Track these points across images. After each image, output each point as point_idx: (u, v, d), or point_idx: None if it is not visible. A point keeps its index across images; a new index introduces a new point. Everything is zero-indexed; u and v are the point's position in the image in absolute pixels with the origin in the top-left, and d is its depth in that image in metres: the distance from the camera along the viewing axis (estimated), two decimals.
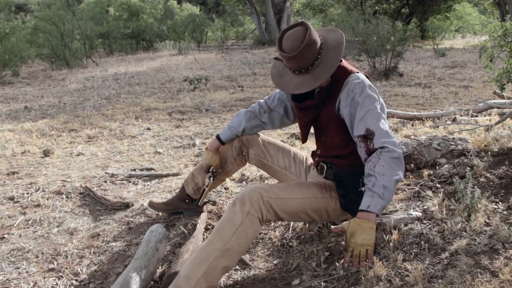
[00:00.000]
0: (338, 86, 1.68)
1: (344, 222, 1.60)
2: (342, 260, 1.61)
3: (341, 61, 1.73)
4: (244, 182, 2.71)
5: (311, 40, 1.58)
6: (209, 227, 2.14)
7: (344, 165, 1.75)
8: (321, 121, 1.77)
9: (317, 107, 1.73)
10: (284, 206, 1.64)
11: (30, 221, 2.31)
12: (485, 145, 2.39)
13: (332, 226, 1.66)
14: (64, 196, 2.62)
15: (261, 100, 2.02)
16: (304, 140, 1.89)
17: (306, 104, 1.74)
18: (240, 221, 1.56)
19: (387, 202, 1.54)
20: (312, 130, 1.91)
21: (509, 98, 4.09)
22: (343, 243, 1.68)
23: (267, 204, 1.60)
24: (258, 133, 2.08)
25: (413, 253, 1.59)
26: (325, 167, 1.80)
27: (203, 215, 2.18)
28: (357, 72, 1.70)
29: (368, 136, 1.58)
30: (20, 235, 2.18)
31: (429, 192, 2.08)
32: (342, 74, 1.69)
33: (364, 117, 1.60)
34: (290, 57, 1.59)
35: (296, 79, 1.65)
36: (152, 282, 1.72)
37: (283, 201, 1.63)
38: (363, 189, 1.71)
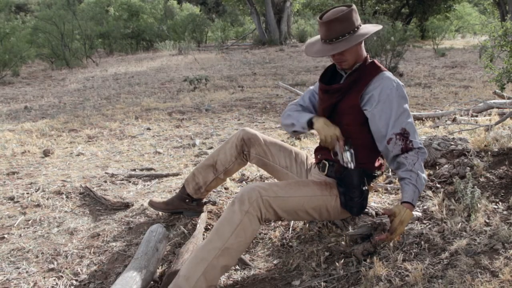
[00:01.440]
0: (367, 78, 1.72)
1: (394, 207, 1.65)
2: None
3: (373, 58, 1.80)
4: (244, 182, 2.71)
5: (344, 17, 1.66)
6: (209, 227, 2.14)
7: None
8: (340, 108, 1.77)
9: (342, 92, 1.75)
10: (283, 204, 1.64)
11: (30, 221, 2.31)
12: (485, 145, 2.39)
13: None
14: (64, 196, 2.62)
15: (292, 104, 2.01)
16: None
17: (332, 87, 1.78)
18: (239, 220, 1.56)
19: None
20: None
21: (509, 98, 4.09)
22: (387, 222, 1.70)
23: (266, 203, 1.60)
24: (259, 132, 2.08)
25: (413, 253, 1.60)
26: (327, 165, 1.80)
27: (203, 215, 2.18)
28: (388, 71, 1.76)
29: (405, 135, 1.68)
30: (20, 235, 2.18)
31: (429, 192, 2.08)
32: (373, 69, 1.74)
33: (401, 116, 1.68)
34: (321, 22, 1.69)
35: (320, 47, 1.74)
36: (152, 282, 1.72)
37: (282, 200, 1.64)
38: (364, 188, 1.72)
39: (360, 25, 1.71)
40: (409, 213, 1.61)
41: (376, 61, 1.79)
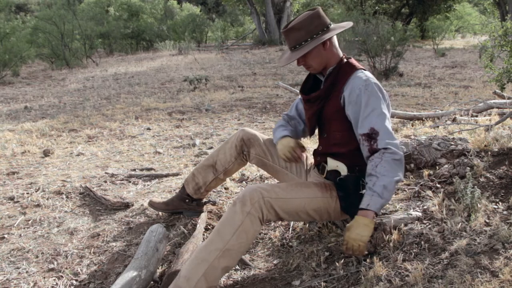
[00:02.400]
0: (343, 80, 1.70)
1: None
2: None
3: (350, 58, 1.78)
4: (244, 182, 2.71)
5: (300, 25, 1.67)
6: (209, 227, 2.14)
7: (344, 165, 1.75)
8: (325, 115, 1.77)
9: (322, 99, 1.75)
10: (285, 206, 1.64)
11: (30, 221, 2.31)
12: (485, 145, 2.39)
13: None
14: (64, 196, 2.62)
15: (283, 115, 2.08)
16: (310, 133, 1.89)
17: (311, 96, 1.77)
18: (241, 221, 1.56)
19: (387, 201, 1.60)
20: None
21: (509, 98, 4.09)
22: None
23: (268, 204, 1.60)
24: (259, 132, 2.08)
25: (413, 253, 1.59)
26: (326, 167, 1.80)
27: (203, 215, 2.17)
28: (364, 70, 1.72)
29: (372, 136, 1.62)
30: (20, 235, 2.18)
31: (429, 192, 2.08)
32: (348, 70, 1.71)
33: (369, 115, 1.63)
34: (282, 32, 1.76)
35: (286, 55, 1.77)
36: (152, 282, 1.72)
37: (284, 201, 1.63)
38: (363, 192, 1.71)
39: (325, 28, 1.68)
40: (356, 218, 1.59)
41: (352, 60, 1.76)
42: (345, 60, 1.74)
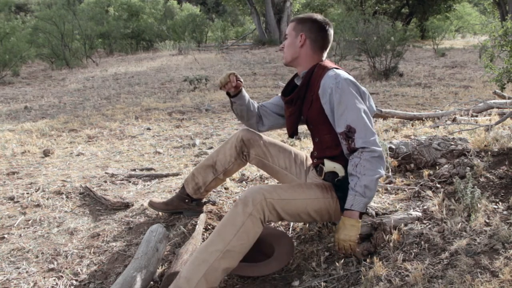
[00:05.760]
0: (317, 82, 1.71)
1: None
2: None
3: (322, 60, 1.79)
4: (244, 182, 2.71)
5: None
6: (209, 227, 2.14)
7: (341, 165, 1.75)
8: (311, 120, 1.79)
9: (296, 100, 1.77)
10: (287, 207, 1.64)
11: (30, 221, 2.31)
12: (485, 145, 2.39)
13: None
14: (64, 196, 2.62)
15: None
16: (289, 133, 1.91)
17: (288, 97, 1.81)
18: (242, 222, 1.55)
19: (370, 199, 1.64)
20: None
21: (509, 98, 4.09)
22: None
23: (270, 205, 1.60)
24: (259, 133, 2.08)
25: (413, 253, 1.59)
26: (324, 169, 1.80)
27: (202, 216, 2.17)
28: (336, 68, 1.72)
29: (349, 134, 1.63)
30: (20, 235, 2.18)
31: (429, 192, 2.08)
32: (320, 71, 1.72)
33: (344, 113, 1.63)
34: None
35: None
36: (152, 282, 1.72)
37: (286, 202, 1.63)
38: None
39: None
40: (342, 219, 1.62)
41: (325, 62, 1.76)
42: (320, 64, 1.75)
